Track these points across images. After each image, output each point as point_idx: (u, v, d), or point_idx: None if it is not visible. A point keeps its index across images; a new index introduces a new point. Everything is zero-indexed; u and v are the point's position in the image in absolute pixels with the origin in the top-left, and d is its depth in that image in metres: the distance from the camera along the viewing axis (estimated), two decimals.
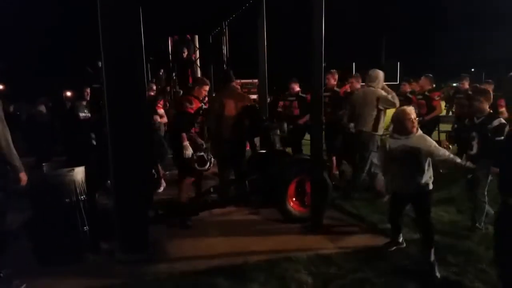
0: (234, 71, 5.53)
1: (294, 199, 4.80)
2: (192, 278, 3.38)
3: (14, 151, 3.33)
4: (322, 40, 4.17)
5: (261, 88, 6.38)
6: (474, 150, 4.07)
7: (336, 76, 6.53)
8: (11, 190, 3.51)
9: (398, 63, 37.64)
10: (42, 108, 7.67)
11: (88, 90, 6.83)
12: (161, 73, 10.55)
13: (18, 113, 11.68)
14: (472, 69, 55.10)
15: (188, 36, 9.31)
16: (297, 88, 6.76)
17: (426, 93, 6.91)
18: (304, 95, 6.58)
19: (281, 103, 7.21)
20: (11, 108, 12.91)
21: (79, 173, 3.89)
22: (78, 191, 3.84)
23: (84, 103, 6.65)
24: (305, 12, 4.27)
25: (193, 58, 9.16)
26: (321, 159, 4.44)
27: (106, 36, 3.63)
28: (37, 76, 21.20)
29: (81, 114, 6.28)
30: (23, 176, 3.43)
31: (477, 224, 4.20)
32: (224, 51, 8.72)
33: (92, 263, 3.77)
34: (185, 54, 9.48)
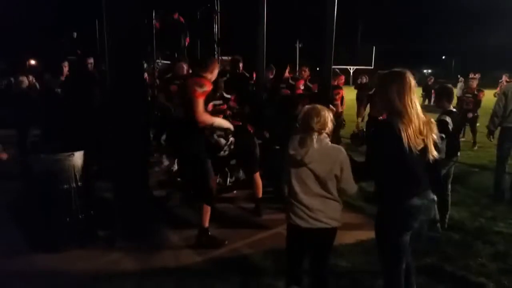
0: (224, 49, 5.17)
1: None
2: (201, 269, 3.33)
3: None
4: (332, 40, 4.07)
5: (258, 70, 6.08)
6: None
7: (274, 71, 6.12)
8: None
9: (374, 47, 38.06)
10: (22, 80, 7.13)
11: (66, 64, 6.37)
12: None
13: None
14: (443, 56, 56.84)
15: (181, 19, 8.54)
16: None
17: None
18: None
19: None
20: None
21: (77, 158, 3.67)
22: (74, 177, 3.64)
23: (63, 78, 6.24)
24: None
25: (186, 44, 8.53)
26: None
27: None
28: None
29: (58, 91, 5.93)
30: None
31: None
32: (215, 30, 8.20)
33: (90, 250, 3.64)
34: None
